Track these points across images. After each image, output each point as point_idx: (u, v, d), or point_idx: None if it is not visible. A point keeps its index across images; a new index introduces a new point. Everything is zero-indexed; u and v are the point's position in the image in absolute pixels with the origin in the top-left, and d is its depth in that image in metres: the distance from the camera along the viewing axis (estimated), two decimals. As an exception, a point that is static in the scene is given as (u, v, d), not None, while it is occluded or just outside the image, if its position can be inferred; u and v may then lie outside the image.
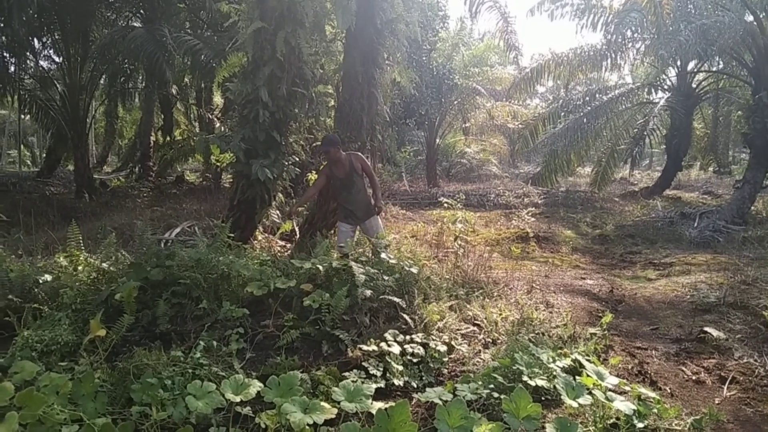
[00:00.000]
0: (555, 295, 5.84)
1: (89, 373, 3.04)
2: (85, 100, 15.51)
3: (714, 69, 16.21)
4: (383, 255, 5.01)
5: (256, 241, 6.51)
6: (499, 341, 4.29)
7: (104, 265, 4.79)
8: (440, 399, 3.12)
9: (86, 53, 15.22)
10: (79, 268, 4.77)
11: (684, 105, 15.41)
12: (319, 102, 7.23)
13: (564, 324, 4.62)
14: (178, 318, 4.31)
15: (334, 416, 2.95)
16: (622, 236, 9.93)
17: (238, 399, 2.99)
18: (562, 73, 15.69)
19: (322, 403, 2.99)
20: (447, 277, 5.65)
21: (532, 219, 10.58)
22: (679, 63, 15.27)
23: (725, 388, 3.75)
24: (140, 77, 19.22)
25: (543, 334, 4.39)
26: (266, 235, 6.90)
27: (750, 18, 12.57)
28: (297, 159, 6.75)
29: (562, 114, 16.59)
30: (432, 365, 3.86)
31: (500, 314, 4.77)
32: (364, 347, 3.81)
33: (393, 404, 2.82)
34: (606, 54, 14.51)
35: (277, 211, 6.84)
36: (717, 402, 3.58)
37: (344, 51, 7.42)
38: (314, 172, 7.68)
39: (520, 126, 19.30)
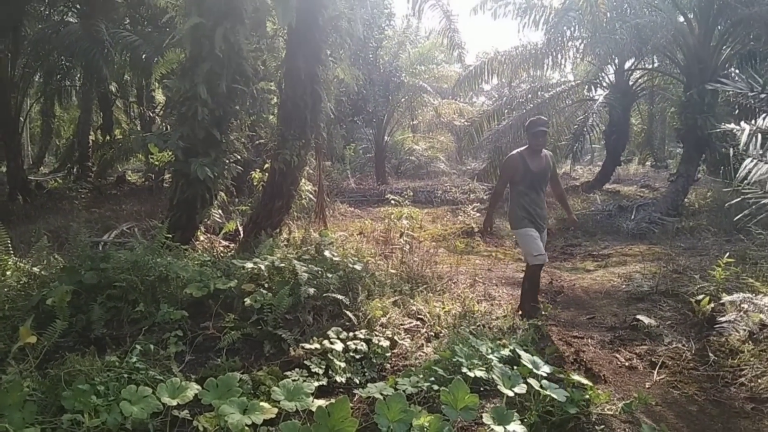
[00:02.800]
0: (497, 287, 5.96)
1: (16, 382, 2.92)
2: (17, 98, 14.80)
3: (649, 67, 16.84)
4: (327, 253, 4.99)
5: (198, 242, 6.37)
6: (441, 335, 4.35)
7: (35, 269, 4.60)
8: (381, 394, 3.14)
9: (18, 49, 14.53)
10: (8, 273, 4.56)
11: (622, 102, 15.95)
12: (261, 99, 7.15)
13: (504, 315, 4.73)
14: (114, 322, 4.19)
15: (274, 416, 2.94)
16: (563, 229, 10.21)
17: (175, 402, 2.93)
18: (506, 71, 15.97)
19: (262, 403, 2.97)
20: (392, 273, 5.68)
21: (478, 214, 10.74)
22: (616, 61, 15.78)
23: (655, 372, 3.93)
24: (78, 75, 18.49)
25: (484, 326, 4.48)
26: (209, 235, 6.77)
27: (681, 18, 13.12)
28: (239, 157, 6.64)
29: (506, 111, 16.90)
30: (375, 361, 3.88)
31: (443, 308, 4.84)
32: (307, 346, 3.80)
33: (334, 401, 2.83)
34: (547, 52, 14.86)
35: (220, 211, 6.72)
36: (647, 386, 3.75)
37: (286, 48, 7.36)
38: (258, 170, 7.57)
39: (466, 123, 19.57)
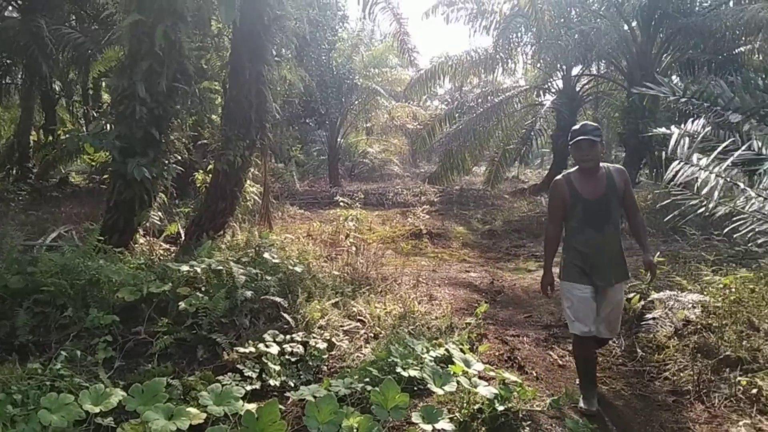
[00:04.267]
0: (439, 288, 6.02)
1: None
2: (-48, 96, 14.14)
3: (595, 73, 17.35)
4: (267, 255, 4.94)
5: (137, 245, 6.20)
6: (381, 335, 4.35)
7: (-43, 274, 4.39)
8: (313, 396, 3.12)
9: (-49, 45, 13.89)
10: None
11: (569, 107, 16.38)
12: (203, 98, 7.02)
13: (443, 315, 4.77)
14: (41, 328, 4.04)
15: (202, 421, 2.89)
16: (510, 231, 10.40)
17: (98, 410, 2.85)
18: (457, 75, 16.19)
19: (190, 409, 2.91)
20: (336, 274, 5.66)
21: (427, 216, 10.83)
22: (564, 67, 16.20)
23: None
24: (19, 72, 17.76)
25: (423, 326, 4.51)
26: (149, 238, 6.60)
27: (625, 26, 13.56)
28: (179, 157, 6.51)
29: (457, 115, 17.13)
30: (311, 363, 3.85)
31: (385, 309, 4.86)
32: (241, 349, 3.74)
33: (263, 405, 2.80)
34: (497, 57, 15.15)
35: (160, 213, 6.56)
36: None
37: (231, 47, 7.27)
38: (201, 171, 7.43)
39: (419, 126, 19.74)
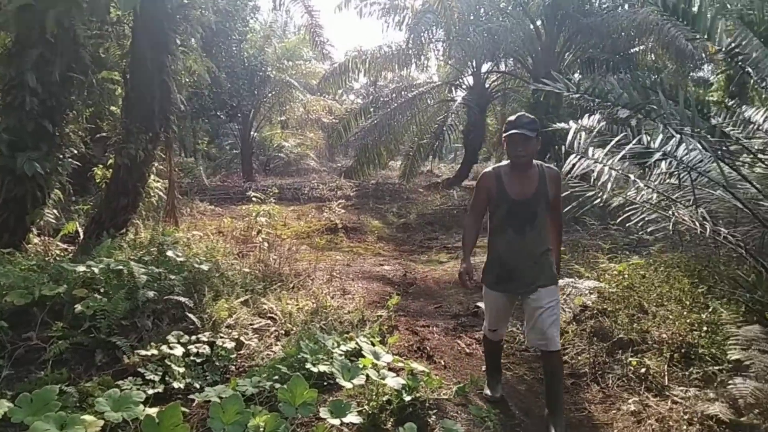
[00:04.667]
0: (353, 282, 6.05)
1: None
2: None
3: (503, 70, 17.97)
4: (170, 253, 4.76)
5: (30, 245, 5.79)
6: (292, 332, 4.31)
7: None
8: (219, 397, 3.04)
9: None
10: None
11: (478, 103, 16.88)
12: (102, 89, 6.65)
13: (356, 309, 4.80)
14: None
15: (99, 429, 2.74)
16: (423, 224, 10.62)
17: (-22, 423, 2.64)
18: (371, 70, 16.27)
19: (85, 417, 2.75)
20: (246, 272, 5.54)
21: (343, 211, 10.84)
22: (474, 64, 16.66)
23: (491, 355, 4.18)
24: None
25: (335, 320, 4.52)
26: (44, 237, 6.18)
27: (531, 25, 14.11)
28: (76, 152, 6.13)
29: (372, 109, 17.23)
30: (218, 364, 3.76)
31: (297, 305, 4.81)
32: (143, 352, 3.58)
33: (164, 408, 2.70)
34: (410, 53, 15.34)
35: (56, 211, 6.15)
36: (483, 369, 3.97)
37: (132, 35, 6.90)
38: (102, 165, 7.03)
39: (334, 120, 19.68)
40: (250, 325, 4.34)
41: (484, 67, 16.92)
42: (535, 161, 3.17)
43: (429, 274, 6.77)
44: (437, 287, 6.17)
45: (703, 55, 12.68)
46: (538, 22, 14.06)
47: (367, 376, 3.17)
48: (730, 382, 3.25)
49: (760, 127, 4.67)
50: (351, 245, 8.83)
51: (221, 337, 3.94)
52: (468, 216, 3.41)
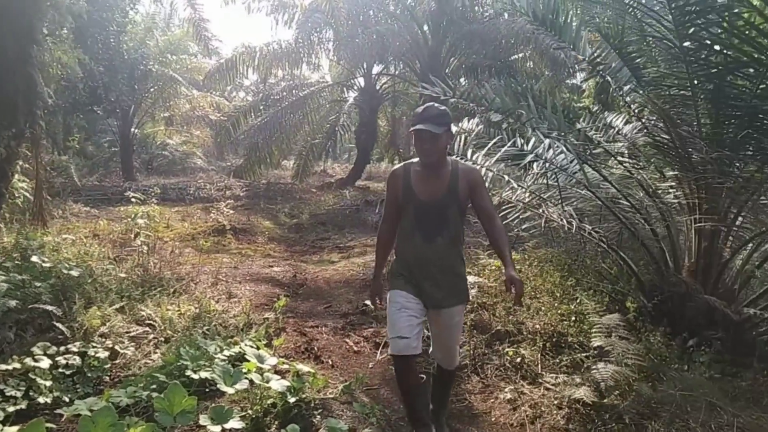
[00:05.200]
0: (240, 285, 5.90)
1: None
2: None
3: (393, 72, 18.31)
4: (35, 258, 4.40)
5: None
6: (173, 339, 4.14)
7: None
8: (90, 410, 2.86)
9: None
10: None
11: (370, 104, 17.09)
12: (-47, 80, 5.98)
13: (242, 313, 4.69)
14: None
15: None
16: (316, 224, 10.58)
17: None
18: (261, 67, 15.94)
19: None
20: (123, 277, 5.24)
21: (232, 211, 10.52)
22: (365, 65, 16.83)
23: (378, 352, 4.26)
24: None
25: (219, 325, 4.39)
26: None
27: (418, 29, 14.48)
28: None
29: (263, 107, 16.92)
30: (91, 375, 3.53)
31: (178, 311, 4.62)
32: (3, 366, 3.28)
33: (25, 426, 2.49)
34: (299, 51, 15.21)
35: None
36: (370, 366, 4.05)
37: (-10, 22, 6.29)
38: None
39: (223, 118, 19.09)
40: (126, 333, 4.11)
41: (375, 69, 17.15)
42: (451, 158, 2.86)
43: (320, 274, 6.76)
44: (328, 287, 6.18)
45: (576, 63, 13.69)
46: (425, 27, 14.47)
47: (251, 380, 3.12)
48: (594, 367, 3.54)
49: (620, 132, 5.12)
50: (239, 247, 8.61)
51: (94, 347, 3.70)
52: (382, 221, 3.06)
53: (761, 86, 3.65)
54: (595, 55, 4.78)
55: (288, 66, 16.09)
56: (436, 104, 2.73)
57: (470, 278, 5.17)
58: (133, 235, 6.77)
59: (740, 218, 4.08)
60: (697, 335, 3.97)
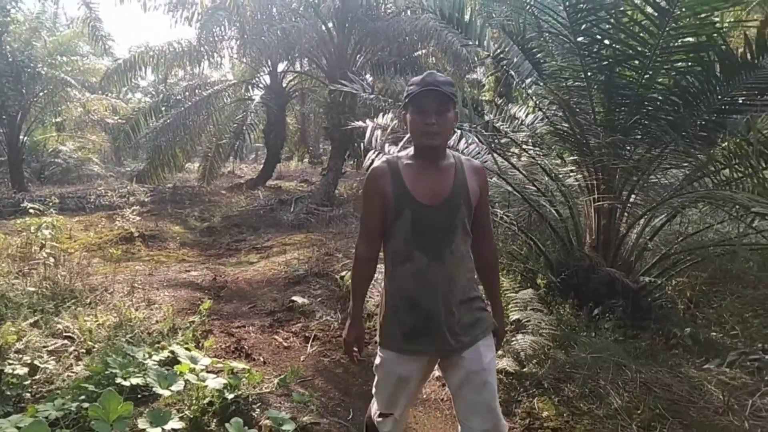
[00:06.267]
0: (158, 291, 5.74)
1: None
2: None
3: (299, 70, 18.22)
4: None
5: None
6: (95, 349, 4.00)
7: None
8: (17, 427, 2.75)
9: None
10: None
11: (277, 102, 16.92)
12: None
13: (165, 318, 4.60)
14: None
15: None
16: (229, 226, 10.40)
17: None
18: (160, 67, 15.35)
19: None
20: (32, 291, 4.97)
21: (138, 218, 10.11)
22: (270, 63, 16.62)
23: (309, 346, 4.34)
24: None
25: (143, 332, 4.28)
26: None
27: (323, 27, 14.49)
28: None
29: (164, 108, 16.32)
30: (10, 393, 3.35)
31: (96, 321, 4.46)
32: None
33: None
34: (202, 50, 14.80)
35: None
36: (302, 359, 4.12)
37: None
38: None
39: (120, 121, 18.21)
40: (44, 347, 3.92)
41: (281, 67, 16.99)
42: (449, 151, 2.15)
43: (240, 275, 6.70)
44: (250, 288, 6.14)
45: (476, 59, 14.27)
46: (330, 25, 14.50)
47: (186, 381, 3.11)
48: (513, 339, 3.81)
49: (523, 122, 5.48)
50: (151, 254, 8.32)
51: (10, 364, 3.51)
52: (359, 241, 2.20)
53: (645, 77, 4.05)
54: (499, 50, 5.09)
55: (189, 65, 15.62)
56: (436, 72, 2.09)
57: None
58: (38, 247, 6.40)
59: (633, 196, 4.50)
60: (601, 304, 4.35)
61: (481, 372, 2.09)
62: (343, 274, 5.41)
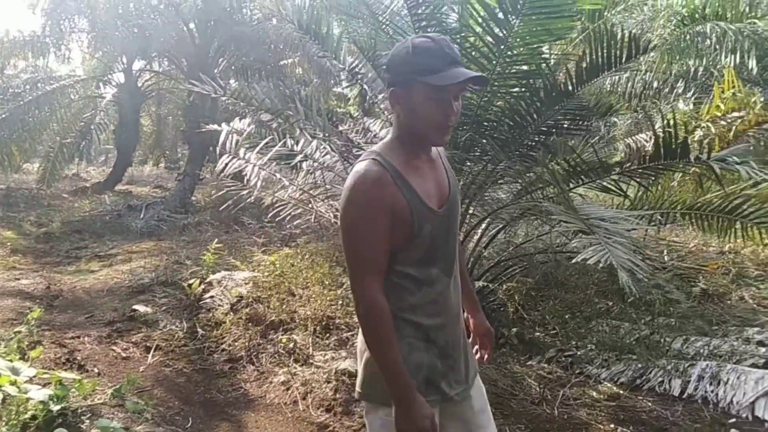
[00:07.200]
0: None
1: None
2: None
3: (157, 69, 17.31)
4: None
5: None
6: None
7: None
8: None
9: None
10: None
11: (131, 102, 15.93)
12: None
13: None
14: None
15: None
16: (70, 232, 9.61)
17: None
18: (-2, 57, 13.88)
19: None
20: None
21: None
22: (125, 60, 15.64)
23: (150, 356, 4.17)
24: None
25: (-44, 344, 3.86)
26: None
27: (184, 27, 13.94)
28: None
29: (-1, 102, 14.71)
30: None
31: None
32: None
33: None
34: (47, 41, 13.61)
35: None
36: (141, 369, 3.95)
37: None
38: None
39: (-57, 114, 16.11)
40: None
41: (137, 65, 16.04)
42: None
43: (78, 284, 6.23)
44: (88, 297, 5.74)
45: (341, 72, 14.52)
46: (191, 25, 14.02)
47: (6, 394, 2.86)
48: (356, 340, 3.96)
49: (377, 135, 5.71)
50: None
51: None
52: (365, 284, 1.53)
53: (484, 99, 4.43)
54: (354, 65, 5.27)
55: (32, 56, 14.27)
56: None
57: (244, 274, 5.33)
58: None
59: (471, 208, 4.87)
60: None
61: (485, 410, 1.76)
62: (191, 281, 5.25)
